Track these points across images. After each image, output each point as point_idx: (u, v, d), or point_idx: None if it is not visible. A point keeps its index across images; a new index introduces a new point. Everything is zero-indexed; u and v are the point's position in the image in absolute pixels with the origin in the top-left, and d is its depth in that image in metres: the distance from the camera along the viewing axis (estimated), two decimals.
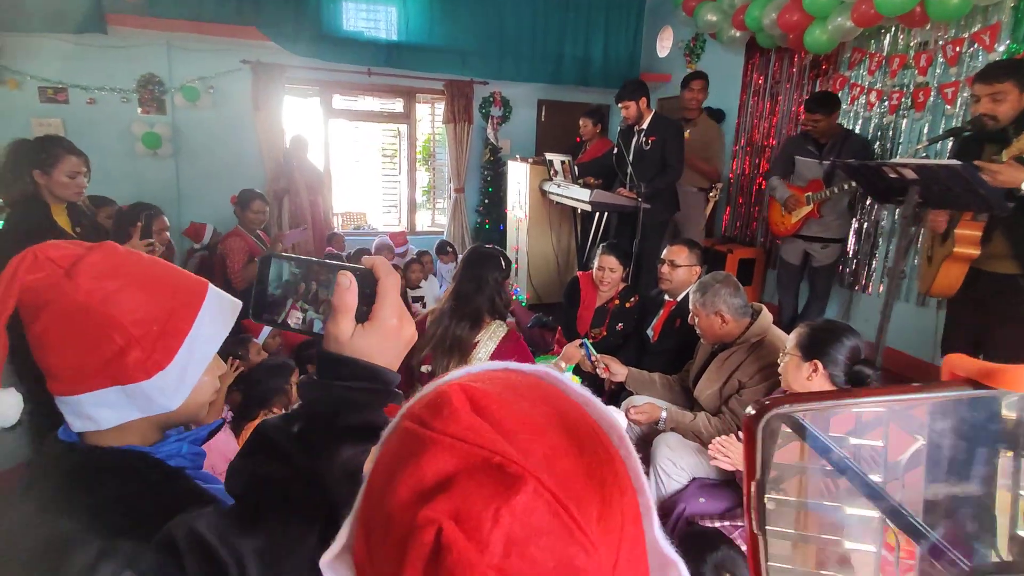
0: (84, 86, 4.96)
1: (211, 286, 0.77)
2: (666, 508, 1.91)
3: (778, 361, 1.77)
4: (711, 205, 4.65)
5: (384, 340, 0.55)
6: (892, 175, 2.18)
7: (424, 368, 2.02)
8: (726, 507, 1.84)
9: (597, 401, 0.36)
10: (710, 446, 1.73)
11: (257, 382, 2.44)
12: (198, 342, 0.70)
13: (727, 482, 1.95)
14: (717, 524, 1.72)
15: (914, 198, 2.15)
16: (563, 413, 0.33)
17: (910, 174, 2.08)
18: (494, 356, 1.96)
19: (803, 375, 1.64)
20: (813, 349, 1.64)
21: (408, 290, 4.35)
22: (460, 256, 4.92)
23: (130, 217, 2.94)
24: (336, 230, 5.45)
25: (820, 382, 1.64)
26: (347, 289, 0.54)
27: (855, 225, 3.95)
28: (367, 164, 6.39)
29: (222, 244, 3.36)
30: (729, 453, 1.69)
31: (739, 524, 1.71)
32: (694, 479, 1.97)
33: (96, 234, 2.40)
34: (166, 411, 0.69)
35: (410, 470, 0.28)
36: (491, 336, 1.98)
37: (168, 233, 3.09)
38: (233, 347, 2.78)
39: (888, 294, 2.46)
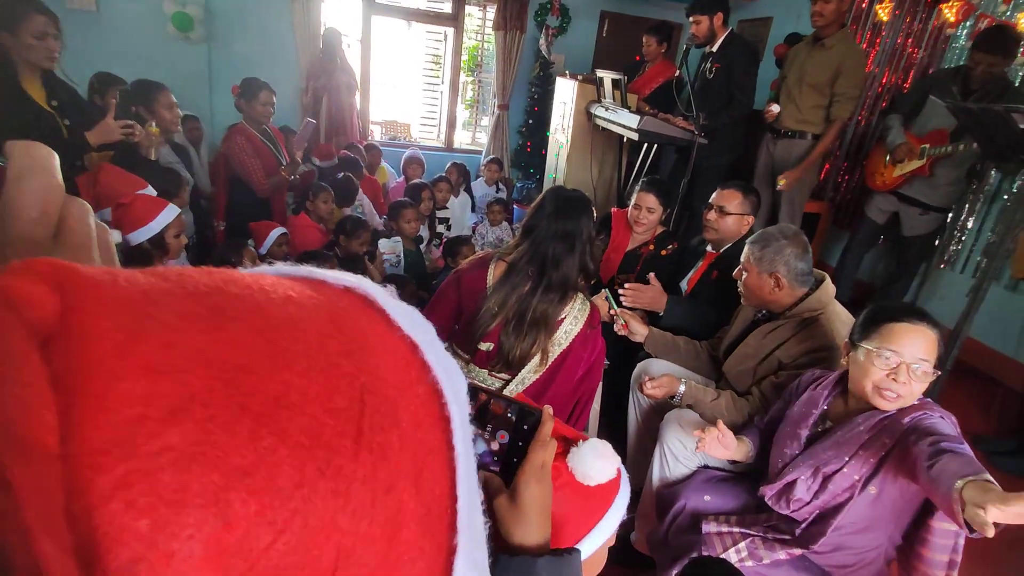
0: None
1: None
2: (665, 499, 1.64)
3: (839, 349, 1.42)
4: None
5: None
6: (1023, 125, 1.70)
7: (484, 346, 1.58)
8: (734, 507, 1.55)
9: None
10: (701, 435, 1.45)
11: None
12: None
13: (740, 475, 1.66)
14: (724, 529, 1.44)
15: None
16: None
17: None
18: (575, 343, 1.55)
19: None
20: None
21: (436, 210, 4.05)
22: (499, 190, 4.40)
23: (135, 97, 2.69)
24: (372, 140, 5.14)
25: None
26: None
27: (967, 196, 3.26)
28: (408, 71, 5.95)
29: (225, 144, 3.07)
30: (727, 445, 1.44)
31: (750, 532, 1.43)
32: (703, 468, 1.69)
33: (77, 111, 2.17)
34: None
35: None
36: (577, 315, 1.55)
37: (178, 110, 2.83)
38: (225, 252, 2.59)
39: (981, 276, 2.03)
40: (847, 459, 1.28)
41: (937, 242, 3.34)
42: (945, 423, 1.21)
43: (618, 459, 0.66)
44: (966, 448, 1.10)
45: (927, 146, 2.89)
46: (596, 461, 0.62)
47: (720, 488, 1.57)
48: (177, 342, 0.20)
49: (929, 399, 1.29)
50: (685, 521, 1.53)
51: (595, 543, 0.65)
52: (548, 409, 0.58)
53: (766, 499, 1.42)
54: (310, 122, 3.41)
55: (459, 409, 0.29)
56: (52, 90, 2.08)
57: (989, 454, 2.45)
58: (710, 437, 1.45)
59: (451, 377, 0.29)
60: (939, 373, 1.25)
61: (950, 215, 3.27)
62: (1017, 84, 3.00)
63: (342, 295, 0.28)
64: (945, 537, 1.23)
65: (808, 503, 1.34)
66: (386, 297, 0.29)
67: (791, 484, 1.35)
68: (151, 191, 2.29)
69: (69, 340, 0.19)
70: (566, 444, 0.67)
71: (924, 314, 1.26)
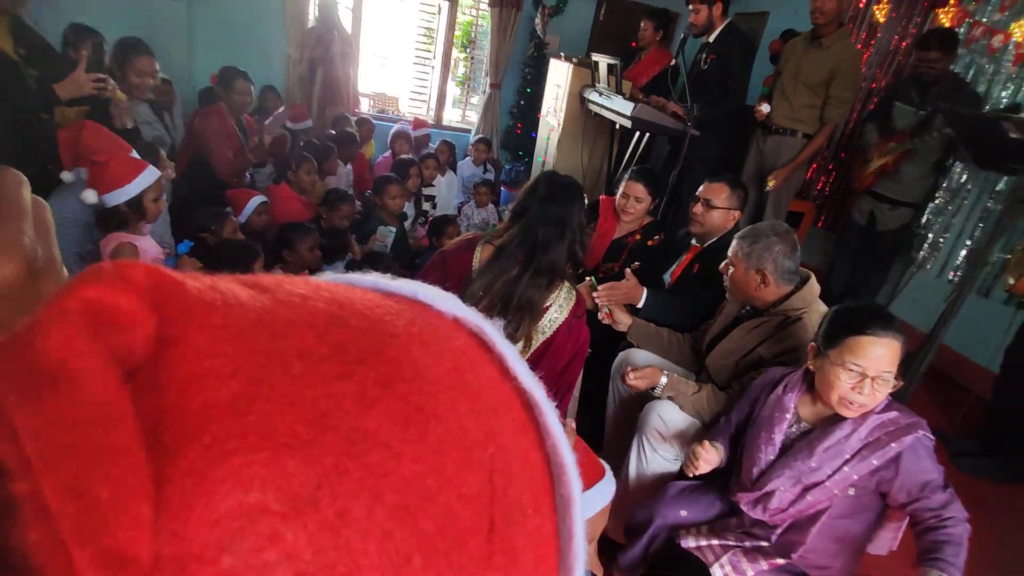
0: None
1: None
2: (638, 518, 1.60)
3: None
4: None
5: None
6: (1014, 134, 1.71)
7: None
8: (712, 516, 1.54)
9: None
10: (687, 458, 1.45)
11: (219, 260, 2.19)
12: None
13: (710, 480, 1.60)
14: (703, 542, 1.44)
15: None
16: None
17: None
18: (560, 331, 1.54)
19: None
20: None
21: (422, 188, 3.99)
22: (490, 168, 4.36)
23: (119, 53, 2.58)
24: (360, 113, 5.02)
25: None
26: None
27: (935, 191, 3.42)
28: (400, 44, 5.80)
29: (199, 120, 2.98)
30: (711, 461, 1.43)
31: (729, 543, 1.42)
32: (673, 480, 1.66)
33: (46, 62, 2.06)
34: None
35: None
36: (563, 303, 1.55)
37: (155, 79, 2.72)
38: (208, 220, 2.51)
39: (962, 283, 2.06)
40: (830, 474, 1.29)
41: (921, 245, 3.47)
42: (931, 454, 1.26)
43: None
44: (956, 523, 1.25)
45: (893, 144, 3.05)
46: None
47: (694, 499, 1.55)
48: (302, 398, 0.15)
49: (900, 406, 1.31)
50: (664, 541, 1.52)
51: None
52: (570, 423, 0.55)
53: (741, 505, 1.42)
54: (284, 111, 3.35)
55: (578, 489, 0.23)
56: (19, 38, 1.97)
57: (952, 455, 2.52)
58: (701, 461, 1.43)
59: (565, 443, 0.24)
60: (901, 383, 1.26)
61: (927, 212, 3.42)
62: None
63: (455, 329, 0.23)
64: None
65: (785, 510, 1.35)
66: (497, 335, 0.24)
67: (769, 494, 1.36)
68: (135, 155, 2.19)
69: (169, 385, 0.14)
70: None
71: (889, 321, 1.25)
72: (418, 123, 4.91)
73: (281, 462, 0.14)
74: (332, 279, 0.24)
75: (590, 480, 0.62)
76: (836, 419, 1.33)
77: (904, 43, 3.76)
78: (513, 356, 0.24)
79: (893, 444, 1.25)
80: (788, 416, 1.40)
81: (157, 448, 0.13)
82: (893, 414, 1.29)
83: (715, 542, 1.42)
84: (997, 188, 3.12)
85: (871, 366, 1.23)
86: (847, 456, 1.29)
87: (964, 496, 2.25)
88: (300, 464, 0.14)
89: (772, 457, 1.40)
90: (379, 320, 0.20)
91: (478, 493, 0.18)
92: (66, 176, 1.99)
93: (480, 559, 0.17)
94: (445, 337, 0.22)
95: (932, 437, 1.29)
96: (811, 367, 1.36)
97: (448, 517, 0.17)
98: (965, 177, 3.27)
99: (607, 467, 0.65)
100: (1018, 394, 2.36)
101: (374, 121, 4.83)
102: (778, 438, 1.40)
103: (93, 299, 0.14)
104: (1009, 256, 2.89)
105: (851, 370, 1.24)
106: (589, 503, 0.60)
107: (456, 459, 0.18)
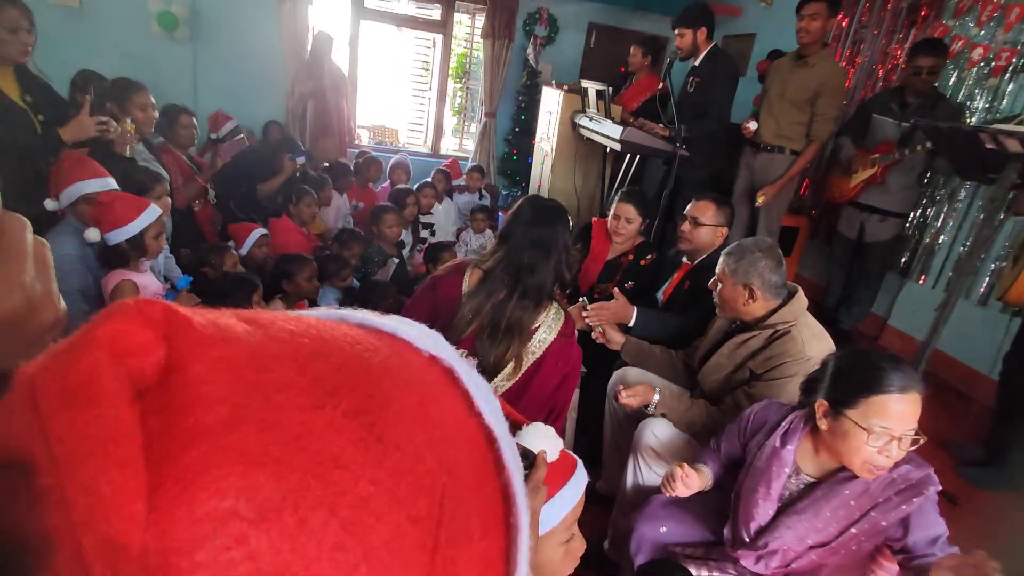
0: None
1: None
2: (619, 528, 1.60)
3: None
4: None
5: None
6: (990, 145, 1.74)
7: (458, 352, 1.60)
8: (698, 538, 1.50)
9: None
10: (665, 478, 1.40)
11: (220, 295, 2.22)
12: None
13: (697, 499, 1.51)
14: (704, 573, 1.39)
15: (1012, 177, 1.73)
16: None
17: (1016, 146, 1.65)
18: (550, 352, 1.55)
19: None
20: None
21: (420, 216, 4.05)
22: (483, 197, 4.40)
23: (110, 94, 2.67)
24: (359, 144, 5.13)
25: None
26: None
27: (922, 201, 3.46)
28: (396, 77, 5.95)
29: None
30: (691, 485, 1.38)
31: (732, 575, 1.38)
32: (655, 497, 1.60)
33: (52, 107, 2.14)
34: None
35: None
36: (551, 323, 1.56)
37: (155, 111, 2.81)
38: (208, 255, 2.57)
39: (950, 290, 2.07)
40: (836, 535, 1.23)
41: (906, 255, 3.49)
42: (935, 507, 1.19)
43: (560, 442, 0.66)
44: None
45: (878, 155, 3.09)
46: (540, 441, 0.62)
47: (677, 516, 1.50)
48: (278, 423, 0.18)
49: (912, 454, 1.21)
50: (650, 554, 1.48)
51: (546, 524, 0.65)
52: (543, 453, 0.57)
53: (742, 561, 1.37)
54: (242, 139, 3.44)
55: (526, 520, 0.26)
56: (26, 85, 2.06)
57: (957, 463, 2.50)
58: (678, 482, 1.38)
59: (519, 477, 0.26)
60: (924, 439, 1.15)
61: (914, 224, 3.48)
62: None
63: (428, 365, 0.26)
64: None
65: (788, 566, 1.32)
66: (467, 372, 0.27)
67: (773, 552, 1.30)
68: (111, 182, 2.15)
69: (170, 406, 0.17)
70: (513, 427, 0.67)
71: (906, 372, 1.15)
72: (452, 166, 5.01)
73: (253, 476, 0.17)
74: (326, 315, 0.26)
75: (564, 476, 0.66)
76: (842, 472, 1.25)
77: (887, 57, 3.83)
78: (480, 393, 0.27)
79: (904, 506, 1.18)
80: (787, 470, 1.31)
81: (155, 458, 0.16)
82: (904, 468, 1.21)
83: (716, 575, 1.39)
84: (982, 198, 3.15)
85: (898, 427, 1.12)
86: (855, 517, 1.22)
87: (969, 506, 2.24)
88: (270, 478, 0.17)
89: (771, 512, 1.32)
90: (356, 356, 0.22)
91: (427, 515, 0.21)
92: (49, 204, 1.99)
93: (421, 573, 0.20)
94: (417, 373, 0.25)
95: (940, 487, 1.20)
96: (822, 427, 1.24)
97: (396, 534, 0.19)
98: (957, 187, 3.30)
99: (578, 459, 0.68)
100: (1018, 401, 2.34)
101: (373, 152, 4.93)
102: (776, 493, 1.31)
103: (117, 330, 0.17)
104: (1004, 264, 2.90)
105: (877, 433, 1.13)
106: (566, 499, 0.64)
107: (409, 484, 0.20)
